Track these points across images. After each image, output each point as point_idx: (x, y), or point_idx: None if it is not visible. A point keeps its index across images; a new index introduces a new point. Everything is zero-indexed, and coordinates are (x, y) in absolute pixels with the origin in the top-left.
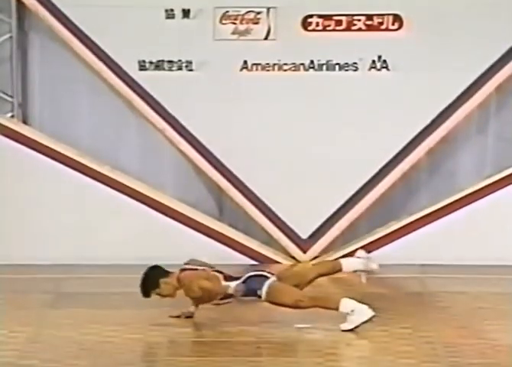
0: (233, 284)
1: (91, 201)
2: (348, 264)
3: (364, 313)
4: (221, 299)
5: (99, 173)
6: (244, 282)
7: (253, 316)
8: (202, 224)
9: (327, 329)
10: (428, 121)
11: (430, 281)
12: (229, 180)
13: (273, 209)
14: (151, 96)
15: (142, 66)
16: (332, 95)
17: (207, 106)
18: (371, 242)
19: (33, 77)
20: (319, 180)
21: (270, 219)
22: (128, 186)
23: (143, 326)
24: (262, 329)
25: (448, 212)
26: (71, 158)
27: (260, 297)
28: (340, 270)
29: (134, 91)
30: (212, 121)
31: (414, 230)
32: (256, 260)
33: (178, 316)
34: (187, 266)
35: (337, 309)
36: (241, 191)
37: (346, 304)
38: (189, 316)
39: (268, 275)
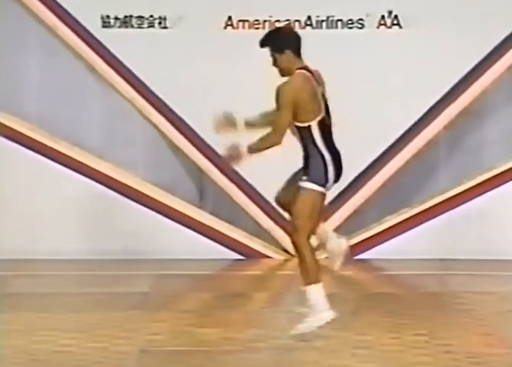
0: None
1: (43, 184)
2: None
3: (322, 315)
4: None
5: (55, 150)
6: None
7: (238, 320)
8: (179, 211)
9: (326, 335)
10: (448, 88)
11: (450, 279)
12: (210, 160)
13: (263, 193)
14: (117, 59)
15: (106, 23)
16: (333, 57)
17: (184, 71)
18: (380, 233)
19: None
20: None
21: (260, 206)
22: (89, 166)
23: (107, 332)
24: (249, 336)
25: (473, 196)
26: (20, 132)
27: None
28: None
29: (97, 52)
30: (190, 88)
31: (431, 218)
32: (242, 254)
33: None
34: None
35: (305, 285)
36: (224, 173)
37: (312, 293)
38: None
39: None
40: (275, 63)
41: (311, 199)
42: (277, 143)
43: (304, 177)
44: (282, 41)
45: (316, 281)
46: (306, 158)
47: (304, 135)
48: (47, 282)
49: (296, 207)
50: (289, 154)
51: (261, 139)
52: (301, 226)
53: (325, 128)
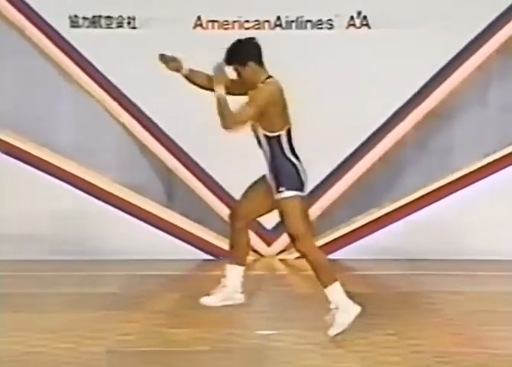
0: None
1: (16, 185)
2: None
3: (349, 311)
4: None
5: (23, 151)
6: None
7: (209, 320)
8: (148, 212)
9: (297, 335)
10: (416, 89)
11: (419, 279)
12: (180, 160)
13: (232, 194)
14: (86, 59)
15: (74, 23)
16: (303, 58)
17: (153, 72)
18: (349, 233)
19: None
20: None
21: (229, 206)
22: (59, 168)
23: (77, 333)
24: (220, 336)
25: (441, 196)
26: None
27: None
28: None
29: (65, 52)
30: (160, 89)
31: (400, 218)
32: (212, 254)
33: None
34: None
35: (325, 286)
36: (193, 173)
37: (333, 292)
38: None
39: None
40: (239, 77)
41: (298, 206)
42: (226, 127)
43: (281, 188)
44: (242, 54)
45: (334, 280)
46: (275, 168)
47: (274, 145)
48: (17, 282)
49: (289, 219)
50: (258, 154)
51: (223, 107)
52: (301, 234)
53: (290, 137)
